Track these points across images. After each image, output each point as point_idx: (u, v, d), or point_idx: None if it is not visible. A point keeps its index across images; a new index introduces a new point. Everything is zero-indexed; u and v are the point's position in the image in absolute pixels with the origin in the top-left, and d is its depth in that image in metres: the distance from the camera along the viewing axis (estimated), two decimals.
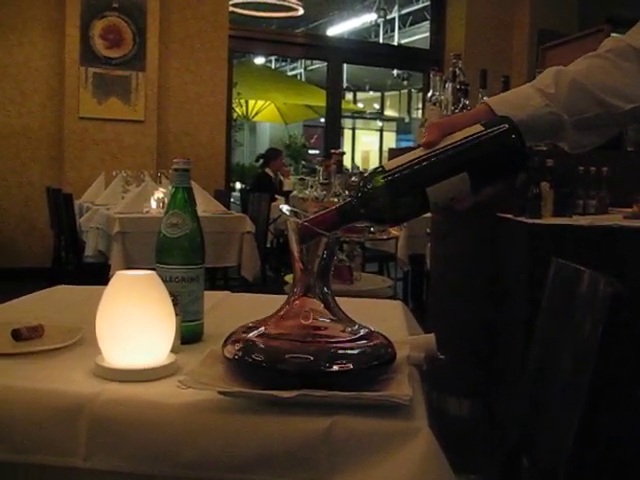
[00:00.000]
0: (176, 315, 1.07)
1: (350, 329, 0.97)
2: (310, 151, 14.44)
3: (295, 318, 0.97)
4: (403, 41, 11.89)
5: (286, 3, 9.45)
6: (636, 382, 2.33)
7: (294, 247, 0.96)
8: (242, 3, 9.31)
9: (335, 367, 0.89)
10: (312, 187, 3.06)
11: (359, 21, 12.42)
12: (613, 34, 9.23)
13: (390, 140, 18.06)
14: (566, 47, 3.75)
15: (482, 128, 0.96)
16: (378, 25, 12.36)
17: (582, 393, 1.23)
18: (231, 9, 8.32)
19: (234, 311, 1.52)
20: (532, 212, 2.75)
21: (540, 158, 2.82)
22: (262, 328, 0.96)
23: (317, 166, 3.17)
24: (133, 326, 0.98)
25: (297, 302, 0.97)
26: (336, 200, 3.01)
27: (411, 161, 0.94)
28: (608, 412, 2.30)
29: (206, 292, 1.39)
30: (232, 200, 8.28)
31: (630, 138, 3.21)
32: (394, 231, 3.07)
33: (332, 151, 3.22)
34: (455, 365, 3.36)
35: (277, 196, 6.61)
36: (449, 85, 3.14)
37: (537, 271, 2.63)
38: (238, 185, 10.78)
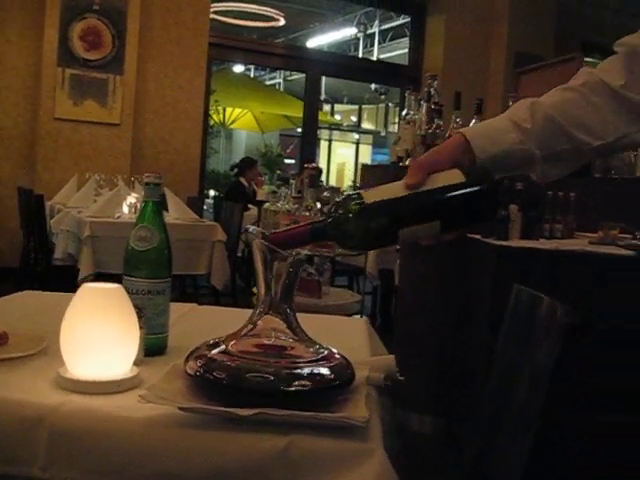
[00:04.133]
0: (140, 328, 1.08)
1: (311, 349, 0.99)
2: (286, 160, 14.45)
3: (257, 337, 0.99)
4: (382, 56, 11.97)
5: (267, 13, 9.49)
6: (591, 406, 2.38)
7: (259, 267, 0.97)
8: (223, 11, 9.34)
9: (294, 387, 0.91)
10: (284, 200, 3.08)
11: (339, 34, 12.48)
12: (587, 59, 9.40)
13: (366, 153, 18.12)
14: (540, 72, 3.82)
15: (462, 179, 0.98)
16: (358, 39, 12.44)
17: (536, 416, 1.26)
18: (212, 16, 8.32)
19: (200, 324, 1.53)
20: (500, 234, 2.79)
21: (510, 182, 2.87)
22: (224, 345, 0.97)
23: (291, 179, 3.20)
24: (96, 339, 0.99)
25: (260, 321, 0.99)
26: (307, 214, 3.03)
27: (390, 200, 0.97)
28: (562, 435, 2.34)
29: (173, 304, 1.40)
30: (205, 207, 8.26)
31: (598, 165, 3.27)
32: None
33: (305, 165, 3.25)
34: (420, 382, 3.40)
35: (250, 205, 6.62)
36: (424, 105, 3.18)
37: (502, 293, 2.67)
38: (212, 192, 10.76)
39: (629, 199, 3.14)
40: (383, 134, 17.38)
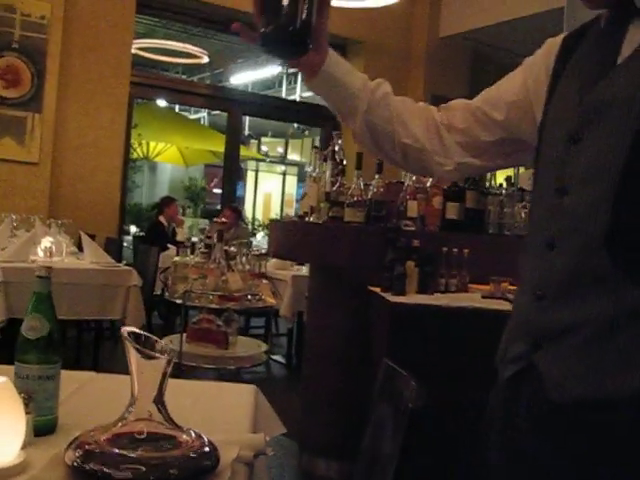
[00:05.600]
0: (28, 413, 1.18)
1: (182, 438, 1.11)
2: (215, 190, 14.47)
3: (132, 427, 1.10)
4: (305, 94, 12.20)
5: (190, 51, 9.60)
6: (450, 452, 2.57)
7: (132, 367, 1.08)
8: (146, 47, 9.41)
9: (163, 476, 1.03)
10: (194, 254, 3.20)
11: (264, 72, 12.68)
12: None
13: (292, 183, 18.34)
14: None
15: None
16: (282, 76, 12.67)
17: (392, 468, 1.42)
18: (135, 51, 8.38)
19: (96, 397, 1.61)
20: (397, 289, 2.96)
21: (407, 239, 3.05)
22: (102, 436, 1.08)
23: (204, 234, 3.31)
24: None
25: (134, 413, 1.10)
26: (215, 266, 3.14)
27: None
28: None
29: (72, 372, 1.49)
30: (125, 244, 8.28)
31: (492, 222, 3.48)
32: (269, 299, 3.23)
33: (214, 220, 3.37)
34: (326, 427, 3.52)
35: (170, 245, 6.66)
36: (328, 162, 3.34)
37: (397, 346, 2.83)
38: (133, 229, 10.73)
39: (519, 254, 3.35)
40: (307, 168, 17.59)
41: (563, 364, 1.08)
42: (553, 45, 1.28)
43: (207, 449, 1.11)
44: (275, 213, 15.66)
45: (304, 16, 1.18)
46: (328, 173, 3.30)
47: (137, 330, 1.12)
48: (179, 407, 1.24)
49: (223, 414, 1.52)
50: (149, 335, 1.12)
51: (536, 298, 1.14)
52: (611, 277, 1.03)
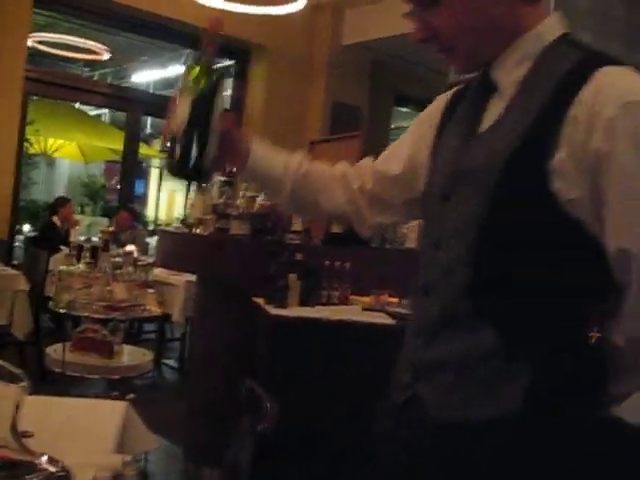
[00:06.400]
0: None
1: (36, 462, 1.16)
2: (116, 187, 14.21)
3: None
4: None
5: (91, 47, 9.42)
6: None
7: None
8: (46, 42, 9.19)
9: None
10: (79, 263, 3.20)
11: (167, 71, 12.55)
12: (401, 109, 10.01)
13: None
14: (329, 144, 4.20)
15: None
16: None
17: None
18: (33, 44, 8.16)
19: None
20: (279, 301, 3.05)
21: (289, 252, 3.15)
22: None
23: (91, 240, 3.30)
24: None
25: None
26: (101, 275, 3.16)
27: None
28: None
29: None
30: (18, 244, 8.08)
31: (375, 237, 3.62)
32: (155, 309, 3.27)
33: (101, 230, 3.39)
34: (209, 437, 3.58)
35: (62, 247, 6.54)
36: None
37: (277, 357, 2.92)
38: (27, 227, 10.42)
39: (399, 267, 3.50)
40: None
41: (438, 395, 1.21)
42: (442, 101, 1.40)
43: (61, 474, 1.16)
44: (178, 212, 15.54)
45: (198, 155, 1.26)
46: (216, 185, 3.36)
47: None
48: (44, 427, 1.29)
49: (88, 434, 1.57)
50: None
51: (415, 336, 1.28)
52: (473, 323, 1.17)
